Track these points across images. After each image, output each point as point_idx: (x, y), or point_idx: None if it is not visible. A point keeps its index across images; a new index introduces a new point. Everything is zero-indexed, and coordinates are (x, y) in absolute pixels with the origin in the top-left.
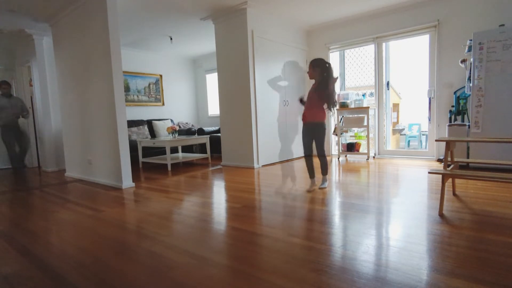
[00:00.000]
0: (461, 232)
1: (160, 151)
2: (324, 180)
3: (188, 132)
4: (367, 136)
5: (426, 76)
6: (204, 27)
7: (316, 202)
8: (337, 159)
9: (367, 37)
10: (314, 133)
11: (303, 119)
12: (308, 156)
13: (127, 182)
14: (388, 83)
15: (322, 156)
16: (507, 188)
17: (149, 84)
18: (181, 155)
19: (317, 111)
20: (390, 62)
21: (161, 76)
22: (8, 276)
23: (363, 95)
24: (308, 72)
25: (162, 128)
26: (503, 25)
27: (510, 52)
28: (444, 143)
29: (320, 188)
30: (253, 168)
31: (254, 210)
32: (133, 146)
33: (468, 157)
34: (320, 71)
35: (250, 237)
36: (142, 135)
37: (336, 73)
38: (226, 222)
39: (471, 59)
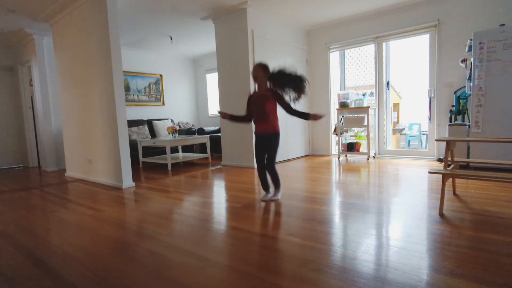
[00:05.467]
0: (461, 232)
1: (160, 151)
2: (276, 192)
3: (188, 132)
4: (367, 136)
5: (426, 75)
6: (204, 27)
7: (316, 202)
8: (337, 159)
9: (367, 37)
10: (269, 144)
11: (257, 130)
12: (261, 168)
13: (127, 182)
14: (388, 83)
15: (272, 170)
16: (508, 188)
17: (149, 84)
18: (181, 155)
19: (273, 119)
20: (390, 62)
21: (161, 76)
22: (8, 275)
23: (363, 95)
24: (257, 73)
25: (162, 128)
26: (503, 24)
27: (511, 51)
28: (445, 142)
29: (272, 200)
30: (253, 168)
31: (254, 210)
32: (133, 146)
33: (468, 157)
34: (267, 78)
35: (250, 237)
36: (142, 135)
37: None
38: (226, 222)
39: (472, 59)
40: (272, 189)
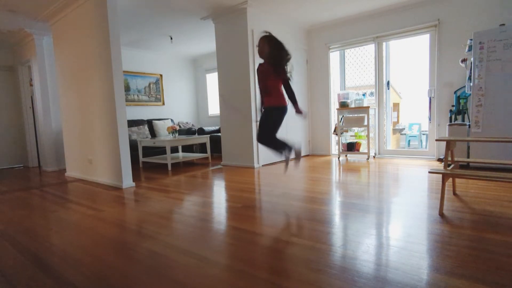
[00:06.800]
0: (461, 232)
1: (160, 150)
2: (287, 154)
3: (188, 131)
4: (367, 135)
5: (426, 75)
6: (204, 27)
7: (316, 202)
8: (337, 158)
9: (367, 37)
10: (268, 115)
11: (265, 104)
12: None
13: (127, 181)
14: (388, 83)
15: (265, 143)
16: (508, 188)
17: (149, 84)
18: (181, 155)
19: (278, 94)
20: (390, 62)
21: (161, 75)
22: (8, 275)
23: (363, 95)
24: (262, 49)
25: (162, 127)
26: (503, 24)
27: (511, 51)
28: (445, 142)
29: (293, 159)
30: (253, 167)
31: (254, 210)
32: (133, 145)
33: (468, 157)
34: (272, 49)
35: (251, 237)
36: (142, 135)
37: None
38: (226, 222)
39: (472, 59)
40: (286, 152)
